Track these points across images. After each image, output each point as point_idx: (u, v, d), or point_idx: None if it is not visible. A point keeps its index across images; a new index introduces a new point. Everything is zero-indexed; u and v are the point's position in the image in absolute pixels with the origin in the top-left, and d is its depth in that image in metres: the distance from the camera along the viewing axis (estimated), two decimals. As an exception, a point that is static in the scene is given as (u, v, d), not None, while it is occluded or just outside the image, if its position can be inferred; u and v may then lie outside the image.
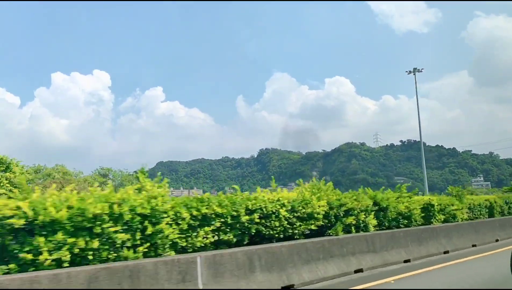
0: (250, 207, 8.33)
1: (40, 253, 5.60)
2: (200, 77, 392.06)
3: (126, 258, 6.35)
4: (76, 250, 5.88)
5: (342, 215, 10.56)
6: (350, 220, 10.66)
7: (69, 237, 5.83)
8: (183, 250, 7.26)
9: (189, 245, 7.34)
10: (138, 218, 6.64)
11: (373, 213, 11.71)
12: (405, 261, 11.55)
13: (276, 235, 8.87)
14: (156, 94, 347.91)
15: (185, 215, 7.29)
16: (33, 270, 5.54)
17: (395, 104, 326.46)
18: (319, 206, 9.87)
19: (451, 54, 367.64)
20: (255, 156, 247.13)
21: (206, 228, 7.53)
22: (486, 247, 15.16)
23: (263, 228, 8.55)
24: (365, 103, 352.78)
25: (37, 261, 5.57)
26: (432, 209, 14.49)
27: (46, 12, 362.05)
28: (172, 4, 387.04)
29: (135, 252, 6.49)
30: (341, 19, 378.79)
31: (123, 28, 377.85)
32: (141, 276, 6.15)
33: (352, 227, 10.92)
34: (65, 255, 5.73)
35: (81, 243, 5.91)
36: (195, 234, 7.39)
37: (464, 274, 10.28)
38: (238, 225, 8.06)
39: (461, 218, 16.06)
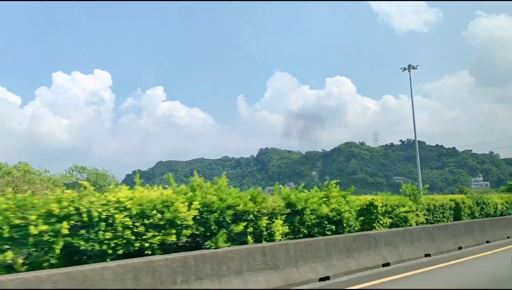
0: (55, 211, 5.85)
1: None
2: (201, 77, 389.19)
3: None
4: None
5: (229, 220, 8.06)
6: (241, 227, 8.14)
7: None
8: None
9: None
10: None
11: (281, 217, 9.18)
12: (322, 279, 9.02)
13: (110, 251, 6.37)
14: (157, 94, 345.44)
15: None
16: None
17: (396, 104, 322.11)
18: (189, 209, 7.37)
19: (452, 54, 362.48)
20: (255, 155, 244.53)
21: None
22: (444, 257, 12.59)
23: (82, 242, 6.06)
24: (366, 103, 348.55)
25: None
26: (375, 211, 11.94)
27: (47, 12, 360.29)
28: (173, 4, 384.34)
29: None
30: (342, 18, 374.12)
31: (124, 28, 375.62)
32: None
33: (249, 237, 8.40)
34: None
35: None
36: None
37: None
38: (29, 240, 5.58)
39: (415, 221, 13.49)
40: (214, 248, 7.61)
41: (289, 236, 9.43)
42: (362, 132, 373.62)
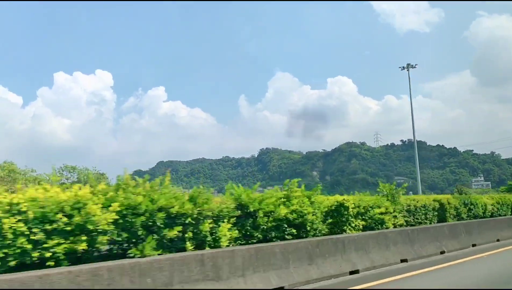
0: None
1: None
2: (202, 77, 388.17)
3: None
4: None
5: (161, 225, 6.99)
6: (175, 232, 7.07)
7: None
8: None
9: None
10: None
11: (230, 220, 8.10)
12: (275, 290, 7.95)
13: (-2, 262, 5.33)
14: (158, 94, 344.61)
15: None
16: None
17: (398, 104, 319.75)
18: (106, 211, 6.32)
19: (453, 54, 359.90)
20: (256, 155, 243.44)
21: None
22: (422, 262, 11.49)
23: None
24: (367, 103, 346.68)
25: None
26: (346, 213, 10.84)
27: (48, 12, 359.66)
28: (174, 4, 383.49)
29: None
30: (343, 18, 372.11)
31: (125, 28, 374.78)
32: None
33: (188, 243, 7.32)
34: None
35: None
36: None
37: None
38: None
39: (393, 224, 12.38)
40: (139, 257, 6.54)
41: (240, 242, 8.35)
42: (363, 132, 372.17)
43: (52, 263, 5.72)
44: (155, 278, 6.40)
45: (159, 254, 6.78)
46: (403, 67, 67.51)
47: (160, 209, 6.98)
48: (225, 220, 8.00)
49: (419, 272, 10.25)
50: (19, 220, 5.47)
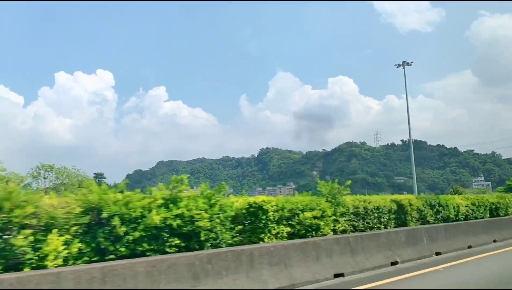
0: None
1: None
2: (204, 76, 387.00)
3: None
4: None
5: None
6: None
7: None
8: None
9: None
10: None
11: (71, 230, 6.02)
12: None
13: None
14: (160, 93, 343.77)
15: None
16: None
17: (399, 103, 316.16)
18: None
19: (455, 54, 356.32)
20: (256, 155, 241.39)
21: None
22: (361, 277, 9.35)
23: None
24: (368, 102, 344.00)
25: None
26: (264, 217, 8.73)
27: (49, 12, 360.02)
28: (175, 4, 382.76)
29: None
30: (344, 18, 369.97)
31: (126, 28, 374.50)
32: None
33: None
34: None
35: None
36: None
37: None
38: None
39: (332, 230, 10.24)
40: None
41: (88, 259, 6.24)
42: (365, 132, 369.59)
43: None
44: None
45: None
46: (399, 64, 65.31)
47: None
48: (63, 230, 5.91)
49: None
50: None
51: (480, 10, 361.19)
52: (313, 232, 9.71)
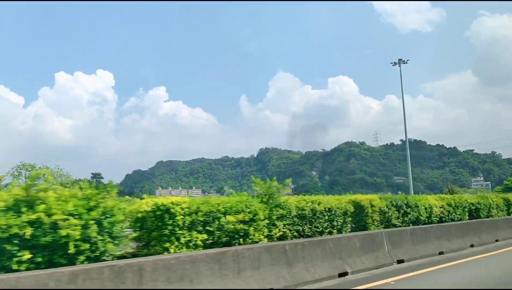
0: None
1: None
2: (204, 76, 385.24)
3: None
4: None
5: None
6: None
7: None
8: None
9: None
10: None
11: None
12: None
13: None
14: (159, 94, 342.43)
15: None
16: None
17: (399, 103, 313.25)
18: None
19: (455, 54, 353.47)
20: (255, 155, 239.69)
21: None
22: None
23: None
24: (368, 102, 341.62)
25: None
26: (171, 222, 7.10)
27: (49, 12, 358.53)
28: (175, 4, 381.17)
29: None
30: (344, 18, 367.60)
31: (126, 28, 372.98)
32: None
33: None
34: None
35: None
36: None
37: None
38: None
39: (266, 236, 8.59)
40: None
41: None
42: (365, 132, 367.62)
43: None
44: None
45: None
46: (395, 62, 63.72)
47: None
48: None
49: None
50: None
51: (480, 10, 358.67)
52: (241, 239, 8.07)
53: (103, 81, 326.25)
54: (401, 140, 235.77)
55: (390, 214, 11.88)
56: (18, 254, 5.45)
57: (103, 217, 6.31)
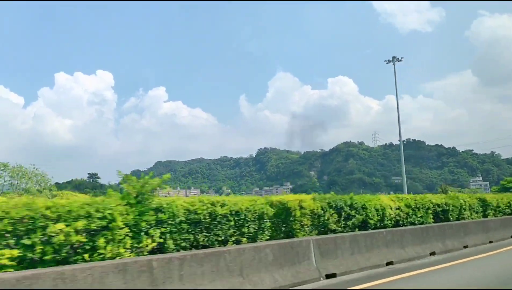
0: None
1: None
2: (203, 77, 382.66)
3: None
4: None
5: None
6: None
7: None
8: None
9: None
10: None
11: None
12: None
13: None
14: (159, 94, 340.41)
15: None
16: None
17: (399, 103, 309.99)
18: None
19: (455, 54, 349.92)
20: (254, 155, 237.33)
21: None
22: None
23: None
24: (368, 102, 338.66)
25: None
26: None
27: (49, 12, 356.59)
28: (175, 4, 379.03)
29: None
30: (344, 18, 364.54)
31: (126, 29, 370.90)
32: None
33: None
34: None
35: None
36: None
37: None
38: None
39: (129, 248, 6.46)
40: None
41: None
42: (364, 132, 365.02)
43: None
44: None
45: None
46: (389, 60, 61.47)
47: None
48: None
49: None
50: None
51: (480, 10, 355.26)
52: (86, 255, 5.95)
53: (103, 81, 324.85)
54: (401, 140, 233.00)
55: (326, 218, 9.73)
56: None
57: None
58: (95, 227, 6.08)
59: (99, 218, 6.16)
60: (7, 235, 5.39)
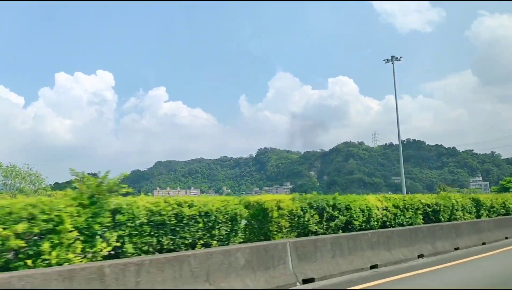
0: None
1: None
2: (203, 77, 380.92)
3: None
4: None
5: None
6: None
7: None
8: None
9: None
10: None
11: None
12: None
13: None
14: (159, 94, 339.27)
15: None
16: None
17: (399, 103, 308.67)
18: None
19: (455, 54, 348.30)
20: (254, 155, 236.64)
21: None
22: None
23: None
24: (368, 102, 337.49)
25: None
26: None
27: (49, 12, 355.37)
28: (175, 4, 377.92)
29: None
30: (344, 18, 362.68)
31: (126, 29, 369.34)
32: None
33: None
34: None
35: None
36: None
37: None
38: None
39: (74, 255, 5.91)
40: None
41: None
42: (364, 132, 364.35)
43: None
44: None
45: None
46: (388, 60, 60.88)
47: None
48: None
49: None
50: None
51: (480, 10, 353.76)
52: (29, 261, 5.39)
53: (103, 81, 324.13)
54: (399, 140, 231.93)
55: (306, 219, 9.16)
56: None
57: None
58: (38, 231, 5.51)
59: (44, 221, 5.60)
60: None
